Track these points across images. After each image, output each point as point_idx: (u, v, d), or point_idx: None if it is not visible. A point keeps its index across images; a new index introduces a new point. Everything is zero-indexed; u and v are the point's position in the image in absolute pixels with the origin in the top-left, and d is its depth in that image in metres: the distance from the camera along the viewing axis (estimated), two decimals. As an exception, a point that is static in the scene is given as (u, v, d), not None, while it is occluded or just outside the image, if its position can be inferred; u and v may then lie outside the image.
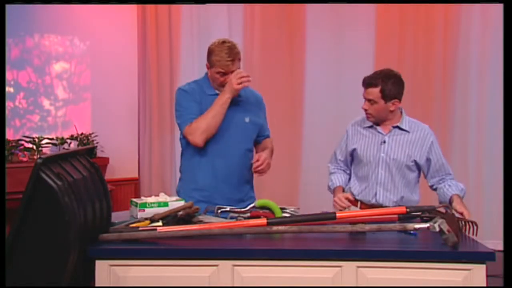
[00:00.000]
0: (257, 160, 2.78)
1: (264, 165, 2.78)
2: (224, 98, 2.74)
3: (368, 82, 2.77)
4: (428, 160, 2.81)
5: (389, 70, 2.81)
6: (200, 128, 2.71)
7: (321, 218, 2.30)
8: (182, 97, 2.87)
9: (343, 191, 2.89)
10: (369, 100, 2.77)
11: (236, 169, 2.84)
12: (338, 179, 2.96)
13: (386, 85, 2.73)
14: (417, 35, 4.96)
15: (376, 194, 2.83)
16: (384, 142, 2.82)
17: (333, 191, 2.92)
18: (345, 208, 2.65)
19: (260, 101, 3.03)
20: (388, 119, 2.82)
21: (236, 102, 2.83)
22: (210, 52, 2.81)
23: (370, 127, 2.87)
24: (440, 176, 2.83)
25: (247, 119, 2.88)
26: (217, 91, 2.84)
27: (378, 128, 2.85)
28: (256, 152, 2.95)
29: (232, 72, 2.77)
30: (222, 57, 2.75)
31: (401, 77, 2.80)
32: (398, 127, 2.82)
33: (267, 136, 3.06)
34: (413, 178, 2.85)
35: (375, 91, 2.74)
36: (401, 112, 2.85)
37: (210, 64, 2.81)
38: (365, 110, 2.80)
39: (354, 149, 2.89)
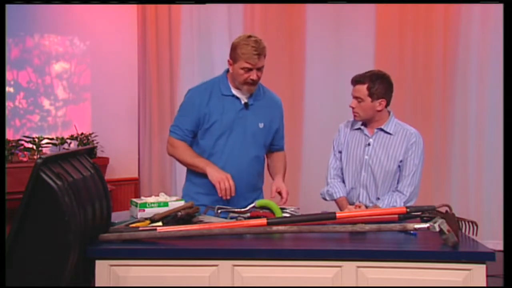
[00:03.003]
0: (280, 194, 2.76)
1: (286, 196, 2.77)
2: (200, 166, 2.73)
3: (356, 80, 2.79)
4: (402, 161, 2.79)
5: (379, 71, 2.83)
6: (174, 155, 2.89)
7: (321, 218, 2.30)
8: (184, 103, 2.85)
9: (347, 200, 2.87)
10: (356, 98, 2.78)
11: (243, 176, 2.76)
12: (338, 188, 2.90)
13: (374, 83, 2.74)
14: (417, 35, 4.96)
15: (359, 195, 2.84)
16: (369, 144, 2.82)
17: (337, 202, 2.89)
18: None
19: (278, 106, 2.93)
20: (375, 120, 2.81)
21: (253, 106, 2.79)
22: (234, 47, 2.67)
23: (358, 129, 2.87)
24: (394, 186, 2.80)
25: (261, 125, 2.81)
26: (234, 91, 2.76)
27: (365, 130, 2.84)
28: (268, 162, 2.93)
29: (258, 68, 2.67)
30: (248, 50, 2.62)
31: (390, 79, 2.80)
32: (381, 129, 2.81)
33: (281, 148, 2.98)
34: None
35: (362, 89, 2.75)
36: (389, 114, 2.85)
37: (234, 59, 2.68)
38: (352, 108, 2.80)
39: (341, 151, 2.91)
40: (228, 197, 2.64)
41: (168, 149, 2.91)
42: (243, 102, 2.78)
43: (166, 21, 5.06)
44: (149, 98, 5.13)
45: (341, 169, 2.93)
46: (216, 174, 2.66)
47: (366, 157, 2.81)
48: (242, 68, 2.66)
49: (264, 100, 2.84)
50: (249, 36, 2.69)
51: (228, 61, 2.75)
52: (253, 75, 2.67)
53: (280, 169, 2.92)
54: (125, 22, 5.07)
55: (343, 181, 2.92)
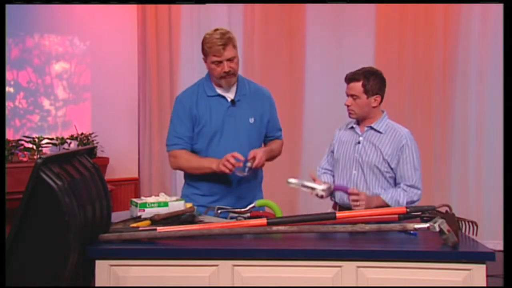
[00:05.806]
0: (253, 157, 2.66)
1: (257, 162, 2.67)
2: (207, 167, 2.67)
3: (350, 78, 2.80)
4: (397, 163, 2.76)
5: (371, 68, 2.83)
6: (180, 166, 2.83)
7: (321, 218, 2.30)
8: (175, 111, 2.82)
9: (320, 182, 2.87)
10: (351, 96, 2.78)
11: (241, 176, 2.72)
12: (323, 179, 2.93)
13: (368, 80, 2.75)
14: (417, 35, 4.97)
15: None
16: (359, 142, 2.83)
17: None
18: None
19: (266, 97, 2.90)
20: (370, 117, 2.81)
21: (240, 101, 2.77)
22: (202, 42, 2.68)
23: (351, 128, 2.88)
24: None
25: (251, 120, 2.79)
26: (219, 91, 2.75)
27: (357, 128, 2.85)
28: None
29: (227, 59, 2.64)
30: (213, 42, 2.61)
31: (383, 75, 2.81)
32: (371, 127, 2.81)
33: (277, 138, 2.96)
34: (390, 178, 2.80)
35: (357, 86, 2.76)
36: (382, 114, 2.85)
37: (205, 55, 2.69)
38: (348, 106, 2.80)
39: (333, 151, 2.92)
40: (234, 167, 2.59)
41: (172, 162, 2.85)
42: (229, 99, 2.77)
43: (166, 21, 5.06)
44: (149, 98, 5.13)
45: (330, 169, 2.96)
46: (216, 165, 2.63)
47: (356, 155, 2.82)
48: (213, 62, 2.66)
49: (250, 94, 2.82)
50: (216, 29, 2.68)
51: (203, 59, 2.74)
52: (225, 67, 2.66)
53: (267, 147, 2.87)
54: (125, 22, 5.08)
55: (332, 176, 2.95)
